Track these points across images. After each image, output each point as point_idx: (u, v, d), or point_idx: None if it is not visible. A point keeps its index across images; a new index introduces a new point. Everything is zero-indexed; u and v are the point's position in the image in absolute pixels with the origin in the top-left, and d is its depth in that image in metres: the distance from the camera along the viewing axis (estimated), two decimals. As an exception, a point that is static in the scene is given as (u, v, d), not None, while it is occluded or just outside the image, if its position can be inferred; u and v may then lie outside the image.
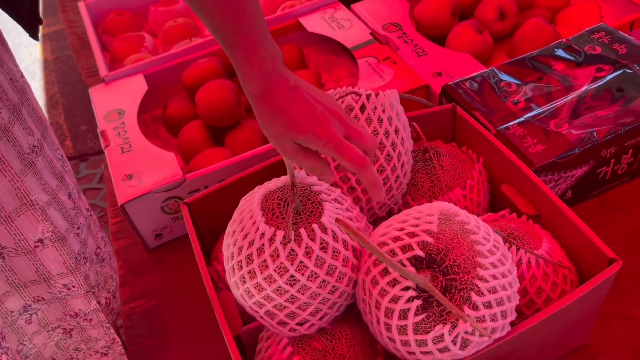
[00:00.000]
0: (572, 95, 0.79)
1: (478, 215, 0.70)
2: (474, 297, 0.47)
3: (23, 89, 0.56)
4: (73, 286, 0.61)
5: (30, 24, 0.55)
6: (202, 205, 0.71)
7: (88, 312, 0.64)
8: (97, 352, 0.70)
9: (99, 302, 0.67)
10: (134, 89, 0.98)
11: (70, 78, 2.18)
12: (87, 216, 0.66)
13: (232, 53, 0.50)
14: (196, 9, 0.49)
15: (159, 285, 0.81)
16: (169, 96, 1.02)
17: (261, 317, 0.54)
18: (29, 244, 0.56)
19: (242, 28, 0.48)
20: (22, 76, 0.57)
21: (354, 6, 1.08)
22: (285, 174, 0.56)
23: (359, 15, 1.06)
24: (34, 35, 0.56)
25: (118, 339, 0.69)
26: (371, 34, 1.00)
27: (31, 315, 0.62)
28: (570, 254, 0.62)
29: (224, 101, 0.89)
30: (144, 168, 0.82)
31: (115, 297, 0.74)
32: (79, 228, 0.62)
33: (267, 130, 0.52)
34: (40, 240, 0.56)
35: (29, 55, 2.31)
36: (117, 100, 0.95)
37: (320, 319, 0.54)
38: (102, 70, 1.01)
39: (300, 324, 0.54)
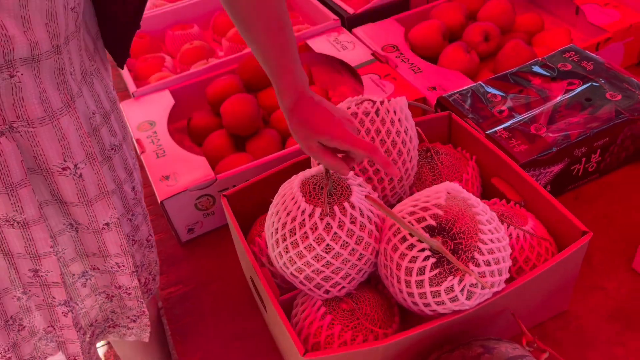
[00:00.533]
0: (549, 105, 0.93)
1: (473, 205, 0.83)
2: (477, 256, 0.59)
3: (115, 100, 0.69)
4: (123, 265, 0.71)
5: (121, 57, 0.70)
6: (236, 199, 0.82)
7: (129, 288, 0.75)
8: (128, 317, 0.80)
9: (139, 280, 0.77)
10: (161, 102, 1.09)
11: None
12: (144, 208, 0.77)
13: (275, 78, 0.67)
14: (252, 46, 0.67)
15: (192, 273, 0.92)
16: (192, 110, 1.14)
17: (300, 281, 0.65)
18: (98, 225, 0.66)
19: (285, 61, 0.66)
20: (113, 89, 0.69)
21: (355, 30, 1.21)
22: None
23: (360, 38, 1.19)
24: (121, 65, 0.71)
25: (147, 312, 0.79)
26: (372, 54, 1.13)
27: (86, 280, 0.72)
28: (551, 231, 0.74)
29: (247, 112, 1.01)
30: (178, 170, 0.93)
31: (155, 280, 0.84)
32: (133, 215, 0.73)
33: (296, 134, 0.66)
34: (107, 224, 0.67)
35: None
36: (147, 113, 1.07)
37: (349, 282, 0.66)
38: (131, 87, 1.13)
39: (333, 286, 0.65)
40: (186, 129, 1.13)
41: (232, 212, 0.77)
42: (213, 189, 0.92)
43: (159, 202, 0.88)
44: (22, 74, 0.53)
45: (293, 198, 0.64)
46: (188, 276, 0.91)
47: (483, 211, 0.62)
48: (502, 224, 0.70)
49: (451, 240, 0.60)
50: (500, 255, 0.61)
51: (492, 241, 0.60)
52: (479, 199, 0.64)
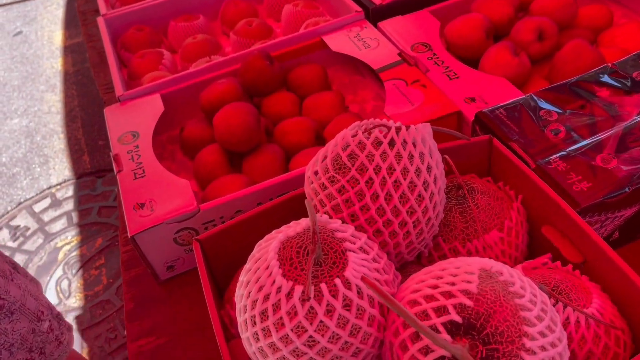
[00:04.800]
0: (619, 126, 0.73)
1: (516, 260, 0.64)
2: (520, 371, 0.41)
3: None
4: None
5: None
6: (216, 241, 0.66)
7: None
8: None
9: None
10: (149, 109, 0.93)
11: (90, 91, 2.17)
12: None
13: None
14: None
15: (168, 321, 0.77)
16: (186, 117, 0.98)
17: (276, 378, 0.49)
18: None
19: None
20: None
21: (381, 24, 1.02)
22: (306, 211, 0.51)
23: (387, 34, 1.01)
24: None
25: None
26: (399, 54, 0.95)
27: None
28: (622, 310, 0.55)
29: (243, 125, 0.84)
30: (156, 196, 0.77)
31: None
32: None
33: None
34: None
35: (50, 67, 2.30)
36: (132, 122, 0.91)
37: (342, 382, 0.49)
38: (118, 89, 0.98)
39: (319, 387, 0.48)
40: (179, 139, 0.98)
41: (204, 262, 0.61)
42: (196, 222, 0.76)
43: (129, 236, 0.73)
44: None
45: (267, 267, 0.47)
46: (163, 325, 0.76)
47: (531, 301, 0.44)
48: (556, 303, 0.52)
49: (483, 345, 0.42)
50: (554, 367, 0.43)
51: (543, 348, 0.42)
52: (525, 280, 0.46)
